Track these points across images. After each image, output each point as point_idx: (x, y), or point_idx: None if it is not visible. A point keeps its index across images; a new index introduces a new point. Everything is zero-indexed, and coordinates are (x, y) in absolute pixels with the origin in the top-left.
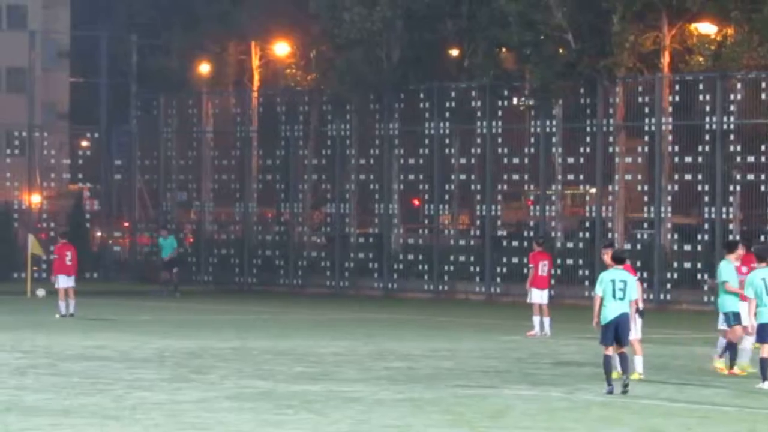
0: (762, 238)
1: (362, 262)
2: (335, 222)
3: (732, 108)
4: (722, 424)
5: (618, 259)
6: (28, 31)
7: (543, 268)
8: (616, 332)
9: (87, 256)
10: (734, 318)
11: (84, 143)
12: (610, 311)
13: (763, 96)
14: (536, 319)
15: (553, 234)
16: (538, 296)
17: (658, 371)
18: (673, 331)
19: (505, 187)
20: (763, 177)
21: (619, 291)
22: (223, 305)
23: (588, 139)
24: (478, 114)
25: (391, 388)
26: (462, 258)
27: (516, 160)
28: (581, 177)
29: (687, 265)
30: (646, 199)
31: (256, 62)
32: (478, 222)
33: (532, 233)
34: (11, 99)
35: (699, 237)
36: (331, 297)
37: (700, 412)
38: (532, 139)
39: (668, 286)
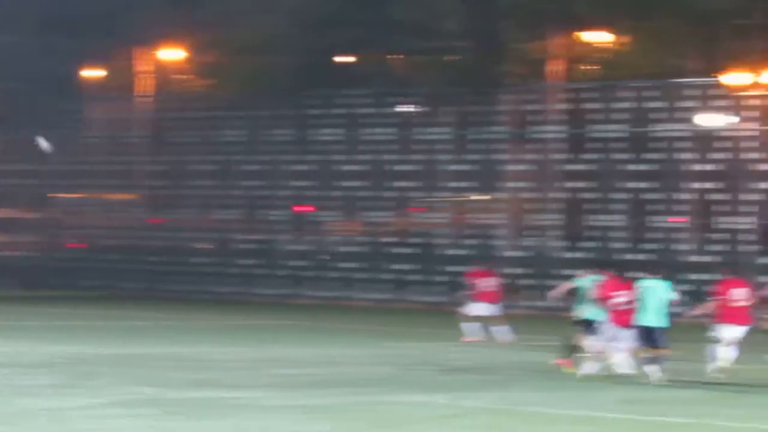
0: (648, 245)
1: (252, 268)
2: (225, 228)
3: (622, 116)
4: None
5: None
6: None
7: (487, 283)
8: None
9: None
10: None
11: None
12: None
13: (650, 104)
14: (471, 327)
15: (441, 241)
16: (484, 309)
17: (544, 378)
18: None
19: (394, 194)
20: (648, 185)
21: None
22: (113, 311)
23: (477, 146)
24: (369, 121)
25: (281, 394)
26: (351, 265)
27: (404, 167)
28: (469, 184)
29: (571, 272)
30: (535, 206)
31: (146, 68)
32: (365, 229)
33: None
34: None
35: (585, 245)
36: (221, 303)
37: (584, 419)
38: (423, 146)
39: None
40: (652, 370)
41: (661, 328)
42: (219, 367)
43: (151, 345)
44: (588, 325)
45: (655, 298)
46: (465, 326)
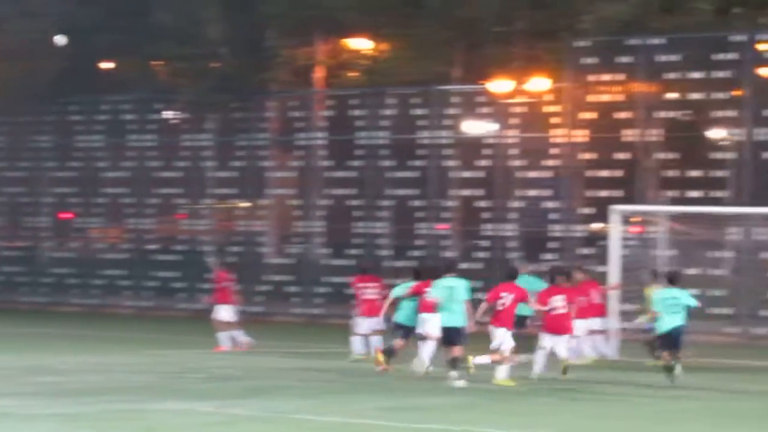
0: (411, 252)
1: (12, 275)
2: None
3: (384, 123)
4: None
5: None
6: None
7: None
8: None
9: None
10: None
11: None
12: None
13: (414, 111)
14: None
15: (206, 248)
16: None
17: (308, 385)
18: (325, 346)
19: (158, 200)
20: (413, 192)
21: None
22: None
23: (241, 153)
24: (133, 127)
25: (43, 402)
26: (113, 272)
27: (169, 174)
28: (234, 191)
29: (337, 279)
30: (298, 213)
31: None
32: (129, 236)
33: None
34: None
35: (351, 252)
36: None
37: (352, 426)
38: (187, 153)
39: (320, 300)
40: (454, 375)
41: (456, 328)
42: None
43: None
44: (404, 329)
45: (452, 297)
46: (221, 335)
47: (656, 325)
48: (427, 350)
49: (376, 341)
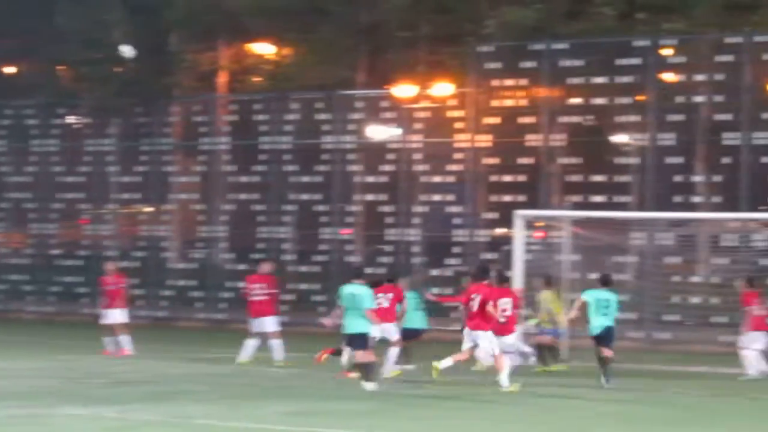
0: (316, 257)
1: None
2: None
3: (288, 128)
4: None
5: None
6: None
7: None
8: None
9: None
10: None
11: None
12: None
13: (318, 116)
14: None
15: (109, 253)
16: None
17: (211, 390)
18: (229, 350)
19: (62, 205)
20: (317, 197)
21: None
22: None
23: (144, 157)
24: (36, 132)
25: None
26: (16, 277)
27: (72, 179)
28: (137, 196)
29: (241, 284)
30: (202, 218)
31: None
32: (33, 241)
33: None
34: None
35: (254, 256)
36: None
37: (255, 431)
38: (91, 158)
39: (224, 305)
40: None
41: (360, 334)
42: None
43: None
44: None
45: (354, 304)
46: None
47: (589, 326)
48: (392, 355)
49: (276, 344)
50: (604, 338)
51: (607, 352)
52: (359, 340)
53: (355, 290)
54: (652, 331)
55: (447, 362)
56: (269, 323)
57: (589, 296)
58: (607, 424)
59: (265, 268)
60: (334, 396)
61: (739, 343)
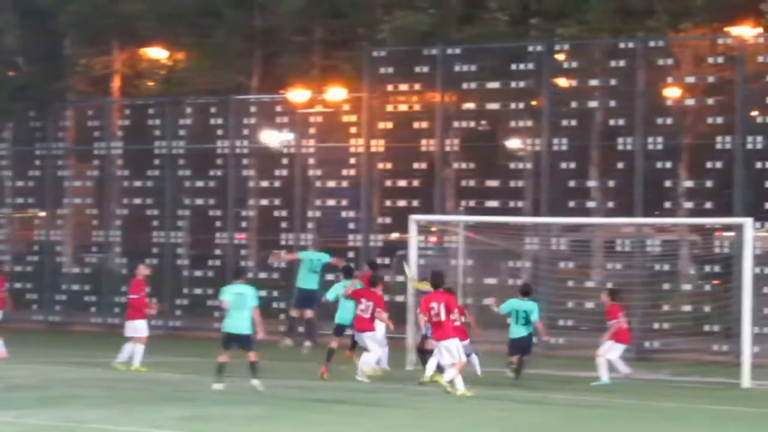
0: (210, 262)
1: None
2: None
3: (182, 132)
4: None
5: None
6: None
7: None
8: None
9: None
10: None
11: None
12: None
13: (212, 121)
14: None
15: (2, 258)
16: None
17: (105, 394)
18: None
19: None
20: (211, 202)
21: None
22: None
23: (38, 162)
24: None
25: None
26: None
27: None
28: (31, 200)
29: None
30: (95, 222)
31: None
32: None
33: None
34: None
35: (148, 261)
36: None
37: None
38: None
39: (118, 309)
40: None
41: (243, 335)
42: None
43: None
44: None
45: (240, 304)
46: None
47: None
48: (373, 354)
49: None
50: (519, 348)
51: (515, 359)
52: (244, 341)
53: (241, 290)
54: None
55: (449, 375)
56: (131, 327)
57: (509, 306)
58: (490, 428)
59: (141, 271)
60: (227, 401)
61: (599, 350)
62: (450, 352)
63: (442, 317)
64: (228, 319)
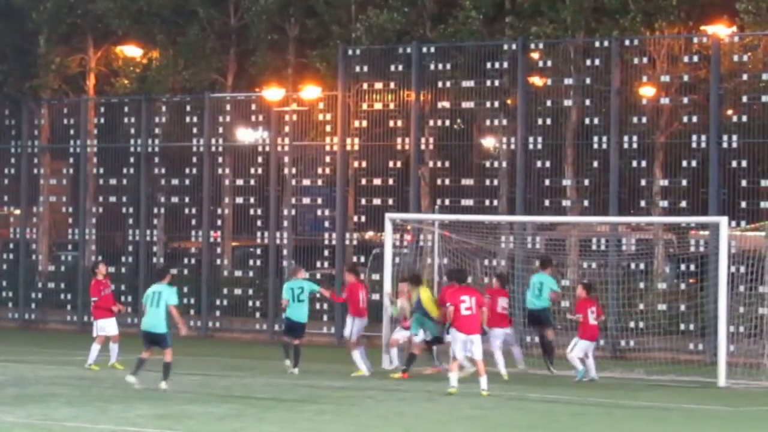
0: (186, 260)
1: None
2: None
3: (157, 130)
4: None
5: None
6: None
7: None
8: None
9: None
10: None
11: None
12: None
13: (188, 119)
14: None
15: None
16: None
17: (79, 392)
18: (100, 354)
19: None
20: (186, 200)
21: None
22: None
23: (12, 160)
24: None
25: None
26: None
27: None
28: (6, 198)
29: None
30: (70, 221)
31: None
32: None
33: None
34: None
35: (123, 259)
36: None
37: None
38: None
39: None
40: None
41: (159, 333)
42: None
43: None
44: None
45: (157, 303)
46: None
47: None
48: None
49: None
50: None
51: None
52: (159, 339)
53: (159, 289)
54: (525, 336)
55: (454, 378)
56: (97, 327)
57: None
58: (465, 425)
59: (100, 270)
60: (200, 399)
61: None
62: (474, 345)
63: (474, 310)
64: (144, 318)
